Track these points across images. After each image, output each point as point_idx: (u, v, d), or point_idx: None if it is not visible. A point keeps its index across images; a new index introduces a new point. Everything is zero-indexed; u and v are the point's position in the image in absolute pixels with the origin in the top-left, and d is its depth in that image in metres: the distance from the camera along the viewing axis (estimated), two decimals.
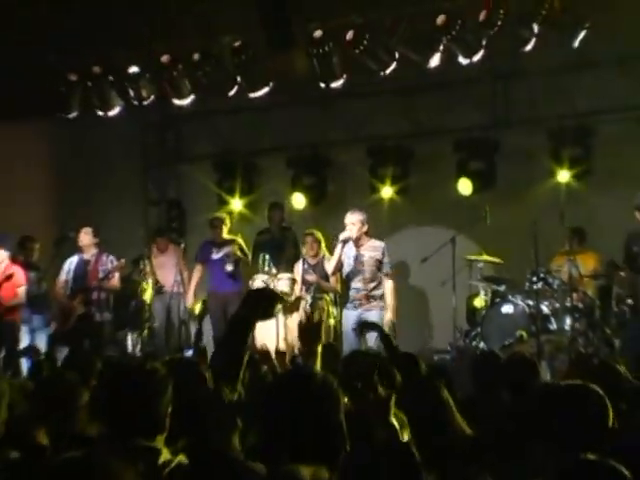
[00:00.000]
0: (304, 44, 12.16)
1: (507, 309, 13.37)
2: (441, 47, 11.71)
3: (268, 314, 4.20)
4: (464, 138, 15.27)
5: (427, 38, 11.77)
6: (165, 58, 12.98)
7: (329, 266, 13.17)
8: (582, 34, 11.34)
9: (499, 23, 11.27)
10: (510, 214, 14.15)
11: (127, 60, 13.20)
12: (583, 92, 14.44)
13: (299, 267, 13.76)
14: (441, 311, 14.93)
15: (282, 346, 12.62)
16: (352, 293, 12.85)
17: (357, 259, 12.71)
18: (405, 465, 3.50)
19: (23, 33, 12.38)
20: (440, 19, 11.50)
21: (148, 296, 14.58)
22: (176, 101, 13.45)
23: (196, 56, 12.85)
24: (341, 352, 10.87)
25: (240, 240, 14.60)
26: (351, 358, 6.52)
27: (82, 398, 5.08)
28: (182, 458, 4.15)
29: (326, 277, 13.58)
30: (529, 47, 11.38)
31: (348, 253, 12.71)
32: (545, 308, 13.03)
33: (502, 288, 13.63)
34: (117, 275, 13.81)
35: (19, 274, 13.13)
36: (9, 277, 13.00)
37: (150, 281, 14.63)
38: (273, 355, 8.25)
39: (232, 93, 13.09)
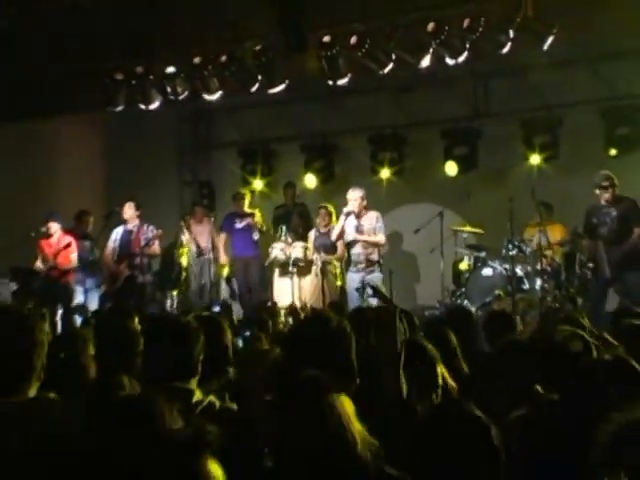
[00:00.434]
0: (315, 47, 12.11)
1: (487, 272, 13.38)
2: (431, 50, 11.64)
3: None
4: (450, 128, 15.25)
5: (419, 42, 11.69)
6: (197, 59, 12.94)
7: (333, 234, 13.23)
8: (551, 38, 11.26)
9: (480, 29, 11.21)
10: (489, 192, 14.16)
11: (165, 61, 13.14)
12: (551, 88, 14.38)
13: (312, 235, 13.79)
14: (431, 274, 14.93)
15: (297, 303, 12.62)
16: (354, 258, 12.94)
17: (357, 228, 12.78)
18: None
19: (77, 40, 12.33)
20: (430, 26, 11.45)
21: (184, 261, 14.61)
22: (206, 96, 13.39)
23: (223, 58, 12.81)
24: (346, 309, 10.91)
25: (258, 213, 14.62)
26: (355, 313, 6.53)
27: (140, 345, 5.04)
28: (212, 398, 4.15)
29: (333, 246, 13.59)
30: (506, 49, 11.31)
31: (350, 223, 12.75)
32: (519, 271, 13.02)
33: (483, 254, 13.61)
34: (157, 242, 13.79)
35: (73, 243, 13.18)
36: (67, 246, 13.05)
37: (191, 247, 14.67)
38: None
39: (254, 89, 13.02)
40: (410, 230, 14.75)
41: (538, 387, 4.82)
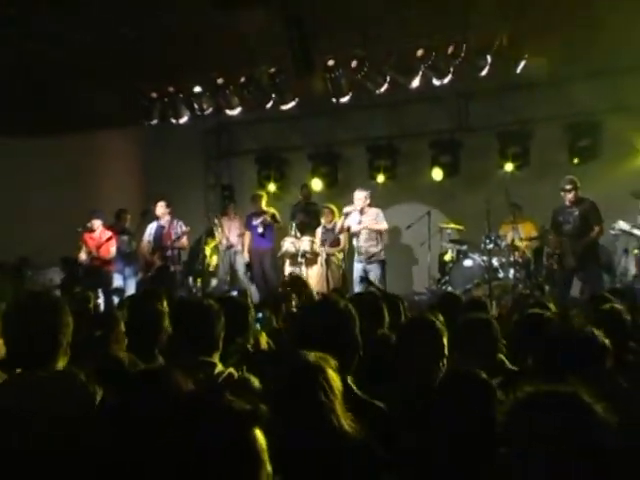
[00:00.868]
0: (321, 70, 12.08)
1: (468, 263, 13.38)
2: (420, 72, 11.62)
3: None
4: (436, 139, 15.26)
5: (410, 66, 11.68)
6: (220, 80, 12.94)
7: (337, 228, 13.41)
8: (522, 63, 11.25)
9: (462, 55, 11.19)
10: (470, 194, 14.14)
11: (192, 82, 13.14)
12: (523, 105, 14.36)
13: (319, 231, 13.85)
14: (420, 264, 14.96)
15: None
16: (357, 249, 12.96)
17: (360, 223, 12.78)
18: None
19: (121, 64, 12.33)
20: (419, 52, 11.45)
21: (209, 252, 14.63)
22: (228, 111, 13.39)
23: (242, 79, 12.81)
24: (348, 293, 10.93)
25: (274, 211, 14.65)
26: (355, 297, 6.54)
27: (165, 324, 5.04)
28: (232, 370, 4.14)
29: (336, 240, 13.64)
30: (484, 72, 11.29)
31: (354, 219, 12.79)
32: (495, 262, 13.01)
33: (464, 248, 13.62)
34: (185, 237, 13.81)
35: (112, 237, 13.25)
36: (108, 239, 13.12)
37: (221, 240, 14.68)
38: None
39: (268, 106, 13.01)
40: (402, 227, 14.78)
41: (502, 357, 4.83)
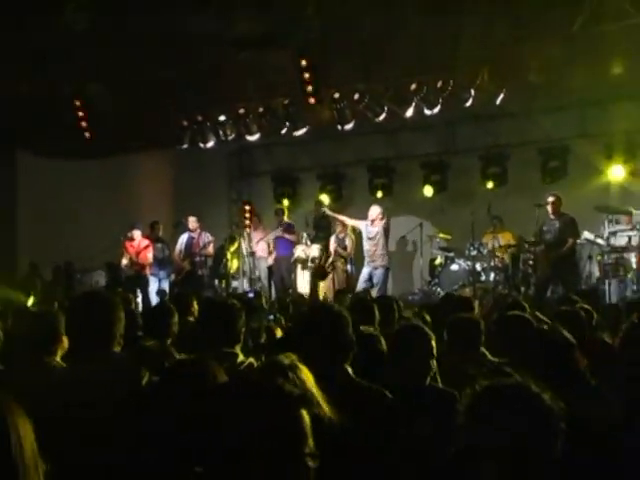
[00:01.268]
0: (328, 101, 12.13)
1: (454, 267, 13.39)
2: (413, 103, 11.65)
3: None
4: (427, 160, 15.27)
5: (404, 98, 11.71)
6: (242, 110, 12.97)
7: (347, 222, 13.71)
8: (502, 95, 11.28)
9: (449, 88, 11.23)
10: (456, 208, 14.14)
11: (218, 112, 13.18)
12: (502, 132, 14.40)
13: (332, 239, 13.89)
14: (413, 268, 14.96)
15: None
16: (365, 254, 13.00)
17: (371, 232, 12.87)
18: None
19: (153, 96, 12.42)
20: (413, 86, 11.48)
21: (230, 257, 14.62)
22: (248, 137, 13.42)
23: (261, 109, 12.84)
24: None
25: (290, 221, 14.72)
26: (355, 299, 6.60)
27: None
28: (252, 359, 4.16)
29: (345, 247, 13.74)
30: (468, 103, 11.32)
31: (368, 229, 12.93)
32: (478, 267, 13.02)
33: (451, 254, 13.62)
34: (211, 246, 13.91)
35: (149, 245, 13.32)
36: (145, 247, 13.21)
37: (246, 248, 14.71)
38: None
39: (283, 132, 13.05)
40: (398, 237, 14.81)
41: (485, 352, 4.82)
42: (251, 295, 11.94)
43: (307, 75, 11.50)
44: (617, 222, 12.02)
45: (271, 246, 14.74)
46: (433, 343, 4.04)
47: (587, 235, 11.91)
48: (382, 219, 12.92)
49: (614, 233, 11.73)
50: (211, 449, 1.91)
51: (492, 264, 12.86)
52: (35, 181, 14.04)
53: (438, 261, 13.99)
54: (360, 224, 13.18)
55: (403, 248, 15.58)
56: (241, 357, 4.16)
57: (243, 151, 17.51)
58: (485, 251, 13.01)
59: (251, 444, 1.86)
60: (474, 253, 12.96)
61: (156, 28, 9.73)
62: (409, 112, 11.86)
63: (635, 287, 11.31)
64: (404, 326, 4.46)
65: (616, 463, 2.72)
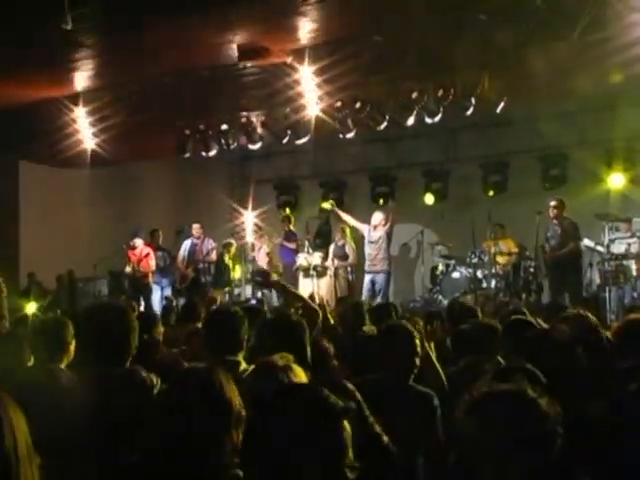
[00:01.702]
0: (330, 111, 12.15)
1: (456, 275, 13.37)
2: (415, 112, 11.65)
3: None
4: (429, 168, 15.31)
5: (406, 106, 11.71)
6: (244, 120, 12.99)
7: (346, 247, 13.69)
8: (502, 103, 11.28)
9: (450, 97, 11.23)
10: (457, 216, 14.10)
11: (220, 121, 13.19)
12: (503, 140, 14.40)
13: (331, 248, 13.90)
14: (415, 276, 14.95)
15: (316, 299, 12.65)
16: (366, 258, 13.05)
17: (373, 237, 12.87)
18: None
19: (156, 104, 12.44)
20: (414, 94, 11.48)
21: (233, 265, 14.59)
22: (250, 146, 13.44)
23: (262, 118, 12.88)
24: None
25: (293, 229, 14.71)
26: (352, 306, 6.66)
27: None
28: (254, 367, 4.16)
29: (345, 255, 13.70)
30: (469, 112, 11.32)
31: (370, 233, 12.93)
32: (479, 274, 12.99)
33: (452, 262, 13.60)
34: (214, 253, 13.91)
35: (151, 253, 13.31)
36: (147, 255, 13.22)
37: (249, 256, 14.72)
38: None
39: (285, 141, 13.06)
40: (399, 244, 14.82)
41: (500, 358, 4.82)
42: (254, 302, 11.96)
43: (308, 84, 11.54)
44: (617, 229, 12.00)
45: (271, 255, 14.71)
46: (417, 342, 4.05)
47: (587, 242, 11.90)
48: (385, 225, 12.93)
49: (614, 240, 11.72)
50: (253, 459, 1.95)
51: (493, 271, 12.84)
52: (37, 190, 14.06)
53: (439, 268, 13.97)
54: (363, 227, 13.19)
55: (404, 255, 15.56)
56: (244, 365, 4.15)
57: (245, 159, 17.53)
58: (486, 258, 12.99)
59: (291, 456, 1.89)
60: (475, 260, 12.95)
61: (159, 35, 9.74)
62: (410, 120, 11.85)
63: (635, 294, 11.29)
64: (389, 325, 4.51)
65: (616, 462, 2.74)
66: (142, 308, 12.21)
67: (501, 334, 4.93)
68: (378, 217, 12.99)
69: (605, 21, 9.61)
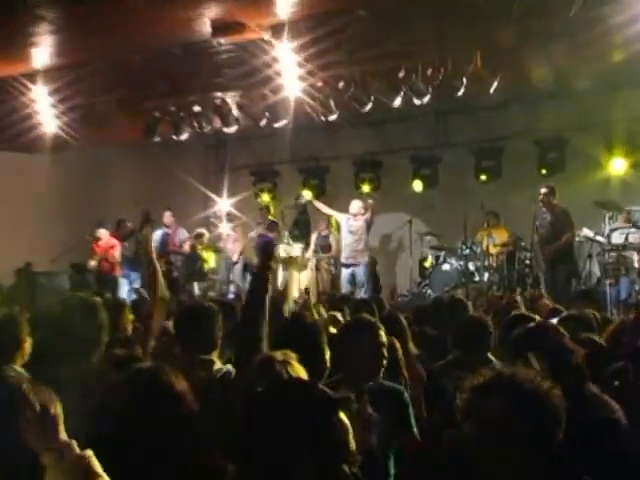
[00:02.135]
0: (311, 92, 12.09)
1: (446, 267, 13.41)
2: (402, 93, 11.61)
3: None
4: (417, 154, 15.33)
5: (392, 86, 11.67)
6: (218, 101, 12.90)
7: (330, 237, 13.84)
8: (495, 84, 11.25)
9: (440, 77, 11.19)
10: (448, 204, 14.14)
11: (192, 102, 13.10)
12: (496, 123, 14.41)
13: (313, 238, 13.91)
14: (402, 269, 14.96)
15: (296, 293, 12.62)
16: (345, 249, 13.08)
17: (352, 227, 12.92)
18: None
19: (122, 84, 12.33)
20: (401, 74, 11.43)
21: (208, 258, 14.56)
22: (225, 129, 13.36)
23: (239, 99, 12.79)
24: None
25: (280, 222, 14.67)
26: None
27: None
28: (229, 366, 4.13)
29: (328, 246, 13.71)
30: (460, 93, 11.29)
31: (349, 222, 12.91)
32: (471, 267, 13.05)
33: (442, 253, 13.63)
34: (187, 244, 13.87)
35: (117, 244, 13.24)
36: (113, 246, 13.18)
37: (221, 248, 14.69)
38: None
39: (262, 124, 12.99)
40: (386, 234, 14.81)
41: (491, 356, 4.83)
42: (231, 297, 11.92)
43: (288, 62, 11.46)
44: (617, 219, 12.07)
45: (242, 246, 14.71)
46: (382, 335, 4.10)
47: (586, 232, 11.92)
48: (364, 214, 12.94)
49: (615, 230, 11.76)
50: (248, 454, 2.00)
51: (486, 263, 12.90)
52: None
53: (429, 261, 14.00)
54: (341, 217, 13.22)
55: (391, 247, 15.58)
56: (218, 364, 4.13)
57: (220, 144, 17.46)
58: (478, 250, 13.04)
59: (285, 451, 1.94)
60: (467, 252, 12.99)
61: (126, 9, 9.62)
62: (397, 102, 11.81)
63: (638, 287, 11.34)
64: (352, 320, 4.53)
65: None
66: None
67: (495, 330, 4.94)
68: (357, 205, 13.04)
69: None
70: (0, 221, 13.62)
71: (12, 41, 10.68)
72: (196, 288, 14.33)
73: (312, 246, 13.78)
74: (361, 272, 12.83)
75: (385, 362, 4.06)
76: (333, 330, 4.86)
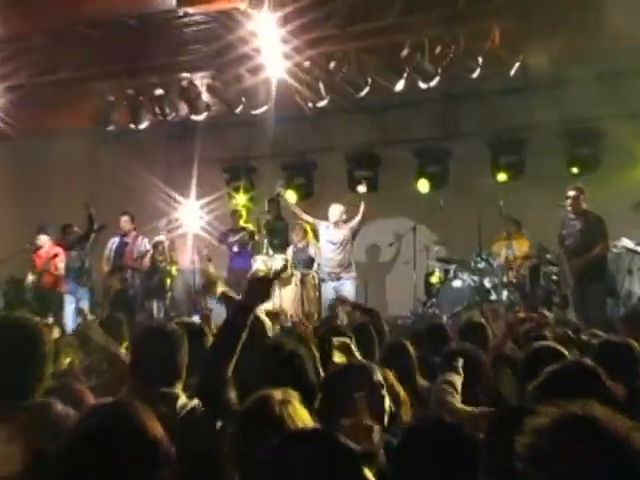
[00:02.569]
0: (296, 73, 12.10)
1: (457, 284, 13.39)
2: (405, 74, 11.64)
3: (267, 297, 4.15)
4: (422, 147, 15.39)
5: (394, 67, 11.70)
6: (185, 82, 12.91)
7: (309, 249, 13.74)
8: (517, 64, 11.30)
9: (451, 56, 11.22)
10: (459, 208, 14.10)
11: (153, 85, 13.10)
12: (516, 111, 14.42)
13: (290, 250, 13.87)
14: (404, 285, 14.92)
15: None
16: (326, 263, 13.09)
17: (334, 237, 12.97)
18: None
19: (74, 66, 12.33)
20: (404, 52, 11.46)
21: (167, 271, 14.51)
22: (193, 117, 13.36)
23: (210, 81, 12.79)
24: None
25: (253, 227, 14.61)
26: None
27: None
28: (196, 401, 4.12)
29: (310, 259, 13.66)
30: (475, 74, 11.32)
31: (330, 231, 12.85)
32: (487, 283, 13.03)
33: (453, 267, 13.63)
34: (148, 257, 13.82)
35: (61, 253, 13.19)
36: (54, 256, 13.12)
37: (175, 259, 14.62)
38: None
39: (238, 111, 13.00)
40: (384, 244, 14.81)
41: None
42: (196, 318, 11.86)
43: (269, 38, 11.46)
44: None
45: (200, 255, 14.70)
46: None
47: (625, 242, 11.92)
48: (347, 222, 12.95)
49: None
50: None
51: (505, 279, 12.89)
52: None
53: (436, 276, 13.98)
54: (320, 224, 13.18)
55: (391, 259, 15.58)
56: (183, 399, 4.11)
57: (187, 134, 17.42)
58: (496, 263, 13.04)
59: None
60: (482, 265, 12.99)
61: None
62: (399, 85, 11.85)
63: None
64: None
65: None
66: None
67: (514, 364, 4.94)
68: (337, 210, 13.02)
69: None
70: None
71: None
72: (155, 307, 14.29)
73: (290, 260, 13.70)
74: (348, 289, 12.81)
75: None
76: (340, 359, 4.89)
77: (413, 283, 14.13)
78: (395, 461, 2.93)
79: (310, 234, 13.66)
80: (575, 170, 14.15)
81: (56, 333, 8.75)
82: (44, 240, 13.26)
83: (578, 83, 13.39)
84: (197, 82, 12.94)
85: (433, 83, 11.62)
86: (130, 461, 2.54)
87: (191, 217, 15.57)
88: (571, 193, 11.46)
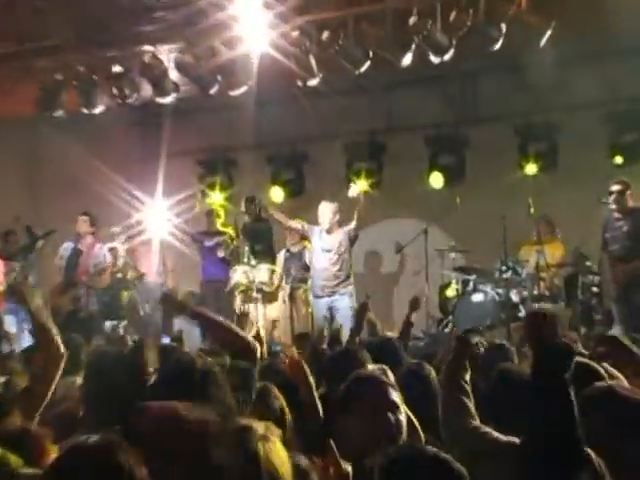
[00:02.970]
0: (283, 45, 12.04)
1: (477, 298, 13.36)
2: (413, 47, 11.57)
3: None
4: (435, 134, 15.32)
5: (400, 38, 11.63)
6: (148, 58, 12.82)
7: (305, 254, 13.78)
8: (548, 33, 11.22)
9: (468, 23, 11.16)
10: (479, 206, 14.11)
11: (110, 60, 13.04)
12: (550, 89, 14.38)
13: (281, 256, 13.78)
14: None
15: (262, 333, 12.54)
16: (319, 275, 12.86)
17: (327, 243, 12.77)
18: None
19: (13, 36, 12.28)
20: (412, 19, 11.38)
21: (131, 287, 14.46)
22: (159, 99, 13.29)
23: (179, 55, 12.70)
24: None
25: (231, 231, 14.55)
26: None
27: None
28: None
29: (306, 266, 13.58)
30: (497, 46, 11.26)
31: (322, 237, 12.76)
32: (514, 296, 13.03)
33: (473, 277, 13.61)
34: (107, 272, 13.72)
35: (0, 265, 13.14)
36: None
37: (129, 271, 14.54)
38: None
39: (213, 92, 12.93)
40: (390, 249, 14.77)
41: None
42: (167, 341, 11.80)
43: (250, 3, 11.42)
44: None
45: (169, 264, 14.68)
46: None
47: None
48: (342, 225, 12.77)
49: None
50: None
51: (535, 292, 12.85)
52: None
53: (453, 288, 13.99)
54: (312, 230, 13.01)
55: (398, 269, 15.54)
56: None
57: (152, 120, 17.39)
58: (524, 272, 13.02)
59: None
60: (508, 275, 12.96)
61: None
62: (407, 60, 11.80)
63: None
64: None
65: None
66: None
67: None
68: (327, 210, 12.81)
69: None
70: None
71: None
72: (110, 328, 14.20)
73: (279, 269, 13.61)
74: (344, 305, 12.68)
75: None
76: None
77: (425, 297, 14.05)
78: None
79: (308, 237, 13.58)
80: (619, 160, 14.14)
81: None
82: None
83: (624, 55, 13.35)
84: (162, 57, 12.86)
85: (447, 57, 11.57)
86: None
87: (157, 220, 15.48)
88: (615, 188, 11.47)
